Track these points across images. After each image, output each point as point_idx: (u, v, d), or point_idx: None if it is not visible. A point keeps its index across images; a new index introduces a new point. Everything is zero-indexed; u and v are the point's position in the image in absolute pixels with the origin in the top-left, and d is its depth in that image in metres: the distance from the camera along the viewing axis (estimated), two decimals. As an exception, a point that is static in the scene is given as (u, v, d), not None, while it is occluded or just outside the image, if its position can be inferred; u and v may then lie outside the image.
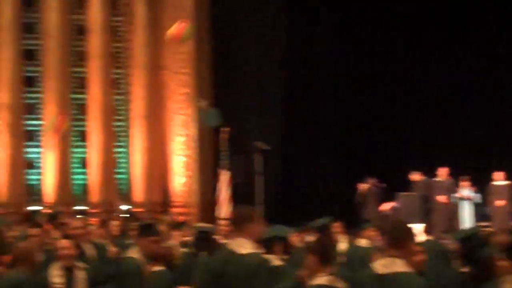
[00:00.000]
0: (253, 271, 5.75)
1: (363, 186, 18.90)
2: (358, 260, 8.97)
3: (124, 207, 19.50)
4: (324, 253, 6.01)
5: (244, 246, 5.85)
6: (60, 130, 15.30)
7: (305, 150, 21.64)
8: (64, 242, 7.40)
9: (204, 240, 8.34)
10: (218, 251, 6.18)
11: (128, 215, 17.72)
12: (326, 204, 19.24)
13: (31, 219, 13.24)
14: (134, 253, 7.39)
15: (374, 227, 10.84)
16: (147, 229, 7.79)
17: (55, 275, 7.20)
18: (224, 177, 18.66)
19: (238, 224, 5.97)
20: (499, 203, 16.44)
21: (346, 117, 21.70)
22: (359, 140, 21.59)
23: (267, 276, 5.86)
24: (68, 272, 7.25)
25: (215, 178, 19.79)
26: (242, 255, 5.81)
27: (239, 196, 19.04)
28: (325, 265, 5.82)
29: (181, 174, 20.16)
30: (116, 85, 20.20)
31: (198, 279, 6.09)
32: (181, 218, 17.62)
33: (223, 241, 9.58)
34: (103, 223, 11.52)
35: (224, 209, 18.05)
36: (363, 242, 10.36)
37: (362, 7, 20.78)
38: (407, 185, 17.55)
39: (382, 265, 5.82)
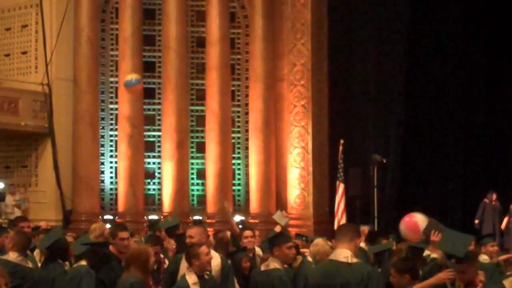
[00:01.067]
0: (363, 278, 5.71)
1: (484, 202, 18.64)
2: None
3: (239, 218, 19.64)
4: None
5: (344, 255, 5.83)
6: (134, 92, 14.97)
7: (424, 164, 21.28)
8: (204, 249, 7.53)
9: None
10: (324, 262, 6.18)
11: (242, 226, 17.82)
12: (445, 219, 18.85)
13: (151, 228, 13.41)
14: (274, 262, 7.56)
15: (494, 243, 10.61)
16: (281, 237, 7.92)
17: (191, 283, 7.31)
18: (340, 189, 18.62)
19: (342, 236, 5.95)
20: None
21: (468, 131, 21.31)
22: (480, 154, 21.19)
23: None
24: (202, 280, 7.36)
25: (331, 190, 19.77)
26: (350, 264, 5.78)
27: (354, 209, 18.95)
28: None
29: (296, 187, 20.19)
30: (233, 97, 20.40)
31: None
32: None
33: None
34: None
35: (340, 221, 17.99)
36: (483, 258, 10.14)
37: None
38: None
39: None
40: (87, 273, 7.38)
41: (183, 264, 8.45)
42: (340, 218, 18.37)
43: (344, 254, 5.81)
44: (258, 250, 9.96)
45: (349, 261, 5.77)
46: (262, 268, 7.65)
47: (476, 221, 19.30)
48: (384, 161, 18.80)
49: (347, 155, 18.98)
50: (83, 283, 7.29)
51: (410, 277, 6.64)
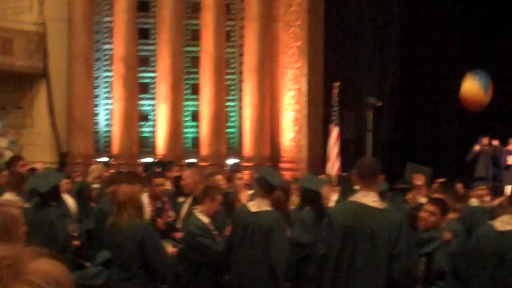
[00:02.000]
0: (395, 225, 5.72)
1: (476, 146, 18.66)
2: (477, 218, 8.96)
3: (232, 160, 19.71)
4: None
5: (372, 199, 5.82)
6: None
7: (419, 108, 21.32)
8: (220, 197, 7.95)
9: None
10: (347, 203, 6.14)
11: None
12: (442, 164, 18.95)
13: (146, 171, 13.52)
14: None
15: (483, 186, 10.73)
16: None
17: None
18: (334, 132, 18.61)
19: (366, 177, 5.89)
20: None
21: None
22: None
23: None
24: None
25: (325, 133, 19.77)
26: (380, 210, 5.78)
27: (348, 152, 18.99)
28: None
29: (290, 129, 20.20)
30: (228, 38, 20.29)
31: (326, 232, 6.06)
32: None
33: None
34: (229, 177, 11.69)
35: (334, 165, 18.02)
36: (473, 201, 10.28)
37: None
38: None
39: (502, 222, 5.81)
40: None
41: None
42: (333, 161, 18.39)
43: (372, 198, 5.80)
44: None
45: (379, 206, 5.78)
46: (253, 209, 7.62)
47: (468, 159, 19.35)
48: (379, 104, 18.74)
49: (342, 98, 18.91)
50: None
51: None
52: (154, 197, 8.93)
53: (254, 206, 7.60)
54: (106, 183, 10.12)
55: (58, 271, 1.44)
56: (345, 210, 6.01)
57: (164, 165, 13.45)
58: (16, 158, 11.84)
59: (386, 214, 5.76)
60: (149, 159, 19.05)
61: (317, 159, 19.95)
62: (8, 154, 18.22)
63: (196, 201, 8.40)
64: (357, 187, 6.09)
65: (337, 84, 18.69)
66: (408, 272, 5.70)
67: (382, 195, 6.48)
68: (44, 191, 7.83)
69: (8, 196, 7.99)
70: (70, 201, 9.89)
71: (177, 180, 11.14)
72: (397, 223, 5.70)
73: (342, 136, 18.79)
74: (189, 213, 8.40)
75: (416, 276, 6.05)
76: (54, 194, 7.98)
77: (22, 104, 20.60)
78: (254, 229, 7.43)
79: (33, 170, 11.91)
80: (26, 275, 1.40)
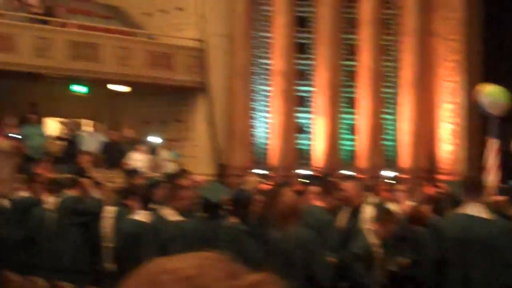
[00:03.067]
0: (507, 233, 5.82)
1: None
2: None
3: (389, 173, 19.87)
4: None
5: (481, 211, 5.98)
6: None
7: None
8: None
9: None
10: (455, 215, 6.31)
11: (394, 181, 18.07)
12: None
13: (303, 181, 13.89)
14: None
15: None
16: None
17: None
18: (493, 145, 18.48)
19: (473, 190, 6.08)
20: None
21: None
22: None
23: None
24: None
25: (484, 146, 19.66)
26: (489, 220, 5.91)
27: (509, 165, 18.79)
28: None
29: (448, 142, 20.23)
30: (386, 52, 20.56)
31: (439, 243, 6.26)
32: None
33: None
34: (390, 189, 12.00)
35: (491, 177, 17.91)
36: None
37: None
38: None
39: None
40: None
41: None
42: (492, 173, 18.27)
43: (479, 208, 5.95)
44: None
45: (487, 216, 5.92)
46: None
47: None
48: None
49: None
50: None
51: None
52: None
53: None
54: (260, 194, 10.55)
55: None
56: (455, 222, 6.20)
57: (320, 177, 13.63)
58: (183, 172, 12.27)
59: (497, 224, 5.84)
60: (306, 171, 19.47)
61: (475, 172, 19.82)
62: (171, 166, 19.03)
63: (355, 213, 8.68)
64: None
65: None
66: None
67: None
68: (215, 202, 8.07)
69: (165, 209, 8.36)
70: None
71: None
72: (509, 233, 5.80)
73: (502, 148, 18.67)
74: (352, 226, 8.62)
75: None
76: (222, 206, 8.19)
77: (182, 117, 21.45)
78: None
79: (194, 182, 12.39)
80: None
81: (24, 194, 11.29)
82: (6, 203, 11.50)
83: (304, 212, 7.98)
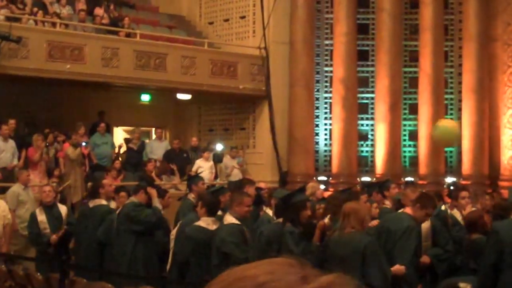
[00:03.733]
0: None
1: None
2: None
3: (451, 179, 20.03)
4: None
5: None
6: None
7: None
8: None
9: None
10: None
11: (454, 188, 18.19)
12: None
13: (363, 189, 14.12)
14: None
15: None
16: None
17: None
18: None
19: None
20: None
21: None
22: None
23: None
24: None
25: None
26: None
27: None
28: None
29: (510, 148, 20.19)
30: (446, 58, 20.70)
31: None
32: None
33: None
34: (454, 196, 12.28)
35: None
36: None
37: None
38: None
39: None
40: None
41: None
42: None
43: None
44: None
45: None
46: None
47: None
48: None
49: None
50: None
51: None
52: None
53: None
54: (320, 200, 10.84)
55: None
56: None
57: (382, 184, 13.80)
58: (247, 180, 12.47)
59: None
60: (367, 178, 19.74)
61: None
62: (236, 173, 19.46)
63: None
64: None
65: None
66: None
67: None
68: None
69: (227, 216, 8.61)
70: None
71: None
72: None
73: None
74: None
75: None
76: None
77: (245, 125, 21.91)
78: None
79: (259, 189, 12.72)
80: None
81: (99, 201, 11.78)
82: (84, 209, 12.07)
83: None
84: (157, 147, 20.00)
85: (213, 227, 8.89)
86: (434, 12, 20.02)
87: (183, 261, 9.21)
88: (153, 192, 11.14)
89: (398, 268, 7.85)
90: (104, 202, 11.79)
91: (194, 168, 18.79)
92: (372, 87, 20.76)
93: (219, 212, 9.63)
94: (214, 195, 10.01)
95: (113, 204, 12.08)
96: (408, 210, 8.53)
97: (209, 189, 11.90)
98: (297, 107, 20.47)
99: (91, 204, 11.79)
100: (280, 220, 8.47)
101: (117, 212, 11.12)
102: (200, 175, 13.98)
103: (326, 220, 8.90)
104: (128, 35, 19.92)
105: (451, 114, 20.79)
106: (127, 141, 20.54)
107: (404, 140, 20.83)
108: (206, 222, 9.01)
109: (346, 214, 7.47)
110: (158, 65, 19.51)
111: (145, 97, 21.90)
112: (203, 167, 18.89)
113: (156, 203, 11.00)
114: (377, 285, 7.16)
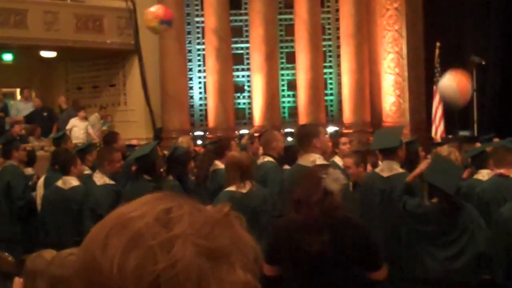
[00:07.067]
0: None
1: None
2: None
3: (332, 128, 20.30)
4: None
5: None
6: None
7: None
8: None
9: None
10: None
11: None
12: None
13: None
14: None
15: None
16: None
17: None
18: (438, 94, 18.88)
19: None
20: None
21: None
22: None
23: None
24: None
25: (428, 96, 20.11)
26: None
27: (453, 114, 19.24)
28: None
29: (391, 94, 20.53)
30: (323, 3, 20.76)
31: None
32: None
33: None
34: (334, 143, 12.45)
35: (438, 128, 18.31)
36: None
37: None
38: None
39: None
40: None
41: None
42: (438, 124, 18.66)
43: None
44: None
45: None
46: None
47: None
48: (483, 62, 18.92)
49: (443, 58, 19.14)
50: None
51: None
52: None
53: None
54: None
55: None
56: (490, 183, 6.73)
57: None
58: (113, 135, 12.16)
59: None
60: (246, 131, 19.81)
61: (421, 123, 20.28)
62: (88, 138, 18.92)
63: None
64: None
65: (438, 44, 19.03)
66: None
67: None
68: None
69: (98, 175, 8.59)
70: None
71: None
72: None
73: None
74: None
75: None
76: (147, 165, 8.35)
77: (115, 81, 21.64)
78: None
79: (131, 146, 12.63)
80: None
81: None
82: None
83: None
84: (23, 108, 19.65)
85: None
86: (304, -44, 20.04)
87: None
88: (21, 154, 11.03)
89: None
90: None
91: (68, 126, 18.55)
92: (247, 36, 20.71)
93: (87, 171, 9.57)
94: (79, 153, 9.92)
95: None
96: None
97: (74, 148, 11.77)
98: (168, 61, 20.23)
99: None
100: None
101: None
102: (65, 134, 13.71)
103: None
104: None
105: (330, 61, 20.98)
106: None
107: (283, 90, 20.91)
108: (68, 181, 8.94)
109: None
110: (18, 22, 19.04)
111: (7, 57, 21.39)
112: (78, 126, 18.71)
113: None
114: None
